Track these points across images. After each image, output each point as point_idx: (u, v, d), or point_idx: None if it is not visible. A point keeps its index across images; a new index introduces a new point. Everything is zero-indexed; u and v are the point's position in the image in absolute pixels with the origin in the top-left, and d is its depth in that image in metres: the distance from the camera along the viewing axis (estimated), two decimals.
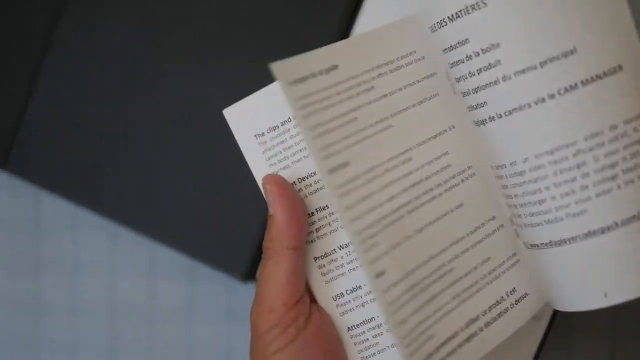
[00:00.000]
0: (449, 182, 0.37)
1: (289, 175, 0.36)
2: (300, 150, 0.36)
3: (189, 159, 0.48)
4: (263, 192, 0.35)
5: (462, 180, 0.37)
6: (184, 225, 0.48)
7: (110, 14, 0.49)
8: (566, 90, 0.33)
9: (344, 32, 0.46)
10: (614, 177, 0.33)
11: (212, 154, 0.48)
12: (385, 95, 0.36)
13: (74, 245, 0.53)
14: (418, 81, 0.37)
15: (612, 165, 0.33)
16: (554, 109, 0.33)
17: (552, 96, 0.33)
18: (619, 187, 0.33)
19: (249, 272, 0.48)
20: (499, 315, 0.37)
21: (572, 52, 0.33)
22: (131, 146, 0.49)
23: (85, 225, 0.53)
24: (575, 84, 0.33)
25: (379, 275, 0.34)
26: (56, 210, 0.53)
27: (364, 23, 0.45)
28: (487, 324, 0.37)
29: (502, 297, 0.37)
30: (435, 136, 0.37)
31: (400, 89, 0.36)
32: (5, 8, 0.50)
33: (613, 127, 0.33)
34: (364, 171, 0.35)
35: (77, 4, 0.49)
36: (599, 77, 0.33)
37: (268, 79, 0.47)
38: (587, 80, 0.33)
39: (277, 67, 0.34)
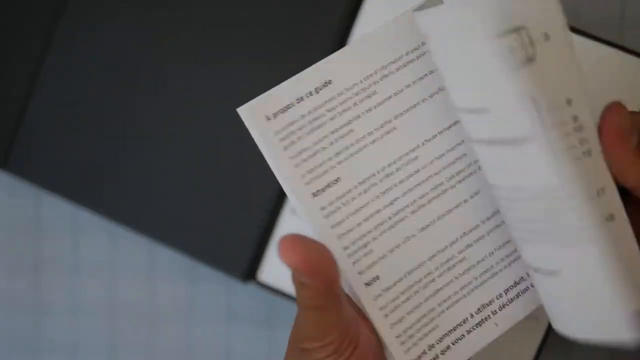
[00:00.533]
0: (464, 171, 0.36)
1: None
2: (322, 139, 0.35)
3: (188, 159, 0.48)
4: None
5: (480, 167, 0.37)
6: (184, 225, 0.48)
7: (110, 13, 0.49)
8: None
9: (344, 31, 0.46)
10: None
11: (212, 153, 0.48)
12: (389, 97, 0.36)
13: (73, 246, 0.53)
14: (426, 74, 0.36)
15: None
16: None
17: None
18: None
19: (249, 272, 0.48)
20: (517, 295, 0.37)
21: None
22: (131, 146, 0.49)
23: (85, 226, 0.53)
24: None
25: (371, 282, 0.34)
26: (56, 210, 0.53)
27: (364, 23, 0.45)
28: (503, 306, 0.36)
29: (522, 277, 0.37)
30: (449, 127, 0.36)
31: (408, 86, 0.36)
32: (5, 8, 0.50)
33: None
34: (358, 182, 0.35)
35: (77, 3, 0.49)
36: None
37: (268, 78, 0.47)
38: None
39: (245, 110, 0.34)
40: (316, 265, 0.31)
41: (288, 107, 0.34)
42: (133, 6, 0.49)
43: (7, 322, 0.54)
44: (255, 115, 0.34)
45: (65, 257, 0.53)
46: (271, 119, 0.34)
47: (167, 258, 0.52)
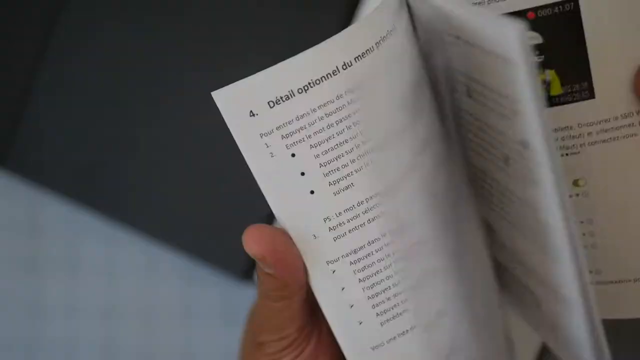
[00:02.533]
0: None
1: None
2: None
3: (188, 157, 0.48)
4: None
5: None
6: (184, 225, 0.48)
7: (110, 13, 0.49)
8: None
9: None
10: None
11: (212, 153, 0.48)
12: None
13: (72, 246, 0.53)
14: None
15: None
16: None
17: None
18: None
19: (249, 272, 0.48)
20: None
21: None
22: (130, 145, 0.49)
23: (84, 226, 0.53)
24: None
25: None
26: (55, 210, 0.53)
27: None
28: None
29: None
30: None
31: None
32: (5, 7, 0.50)
33: None
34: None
35: (76, 3, 0.49)
36: None
37: None
38: None
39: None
40: (282, 255, 0.30)
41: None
42: (133, 6, 0.48)
43: (5, 322, 0.54)
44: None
45: (63, 258, 0.53)
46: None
47: (166, 259, 0.52)
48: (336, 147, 0.29)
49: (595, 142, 0.32)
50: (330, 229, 0.30)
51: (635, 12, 0.31)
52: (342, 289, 0.31)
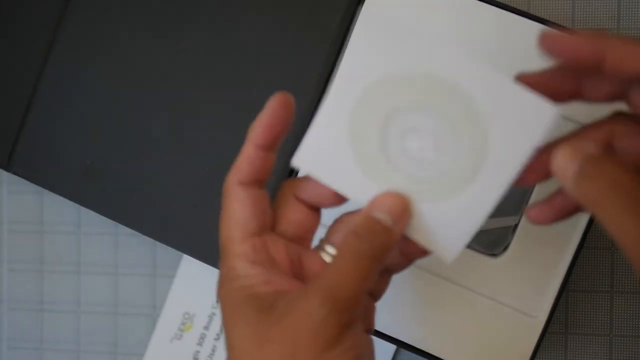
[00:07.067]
0: None
1: None
2: None
3: (189, 158, 0.48)
4: None
5: None
6: (184, 225, 0.48)
7: (113, 16, 0.49)
8: None
9: (345, 31, 0.46)
10: None
11: (212, 153, 0.48)
12: None
13: (75, 244, 0.53)
14: None
15: None
16: None
17: None
18: None
19: None
20: None
21: None
22: (132, 146, 0.49)
23: (87, 225, 0.53)
24: None
25: None
26: (58, 209, 0.54)
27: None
28: None
29: None
30: None
31: None
32: (9, 11, 0.50)
33: None
34: None
35: (80, 7, 0.49)
36: None
37: (268, 78, 0.48)
38: None
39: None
40: (405, 212, 0.33)
41: None
42: (136, 6, 0.49)
43: (8, 321, 0.54)
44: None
45: (67, 256, 0.54)
46: None
47: (169, 257, 0.53)
48: None
49: None
50: None
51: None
52: None
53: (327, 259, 0.35)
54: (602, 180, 0.30)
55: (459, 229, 0.34)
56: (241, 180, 0.34)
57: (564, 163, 0.31)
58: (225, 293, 0.33)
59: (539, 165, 0.33)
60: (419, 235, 0.34)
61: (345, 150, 0.34)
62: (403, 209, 0.33)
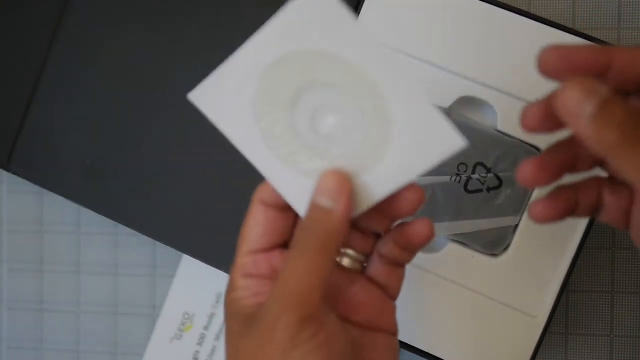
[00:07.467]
0: None
1: None
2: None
3: (189, 160, 0.48)
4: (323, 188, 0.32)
5: None
6: (184, 225, 0.48)
7: (112, 15, 0.49)
8: None
9: None
10: None
11: (212, 153, 0.48)
12: None
13: (75, 244, 0.54)
14: None
15: None
16: None
17: None
18: None
19: None
20: None
21: None
22: (132, 147, 0.49)
23: (87, 225, 0.53)
24: None
25: None
26: (58, 209, 0.54)
27: (363, 23, 0.46)
28: None
29: None
30: None
31: None
32: (9, 10, 0.50)
33: None
34: None
35: (80, 7, 0.49)
36: None
37: None
38: None
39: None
40: (343, 188, 0.32)
41: None
42: (135, 6, 0.49)
43: (8, 321, 0.54)
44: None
45: (66, 256, 0.54)
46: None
47: (169, 257, 0.53)
48: None
49: None
50: None
51: None
52: None
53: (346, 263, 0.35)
54: (623, 125, 0.29)
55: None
56: (264, 200, 0.35)
57: (576, 104, 0.29)
58: (225, 303, 0.34)
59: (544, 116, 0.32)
60: (364, 205, 0.33)
61: (248, 113, 0.35)
62: (340, 185, 0.32)
